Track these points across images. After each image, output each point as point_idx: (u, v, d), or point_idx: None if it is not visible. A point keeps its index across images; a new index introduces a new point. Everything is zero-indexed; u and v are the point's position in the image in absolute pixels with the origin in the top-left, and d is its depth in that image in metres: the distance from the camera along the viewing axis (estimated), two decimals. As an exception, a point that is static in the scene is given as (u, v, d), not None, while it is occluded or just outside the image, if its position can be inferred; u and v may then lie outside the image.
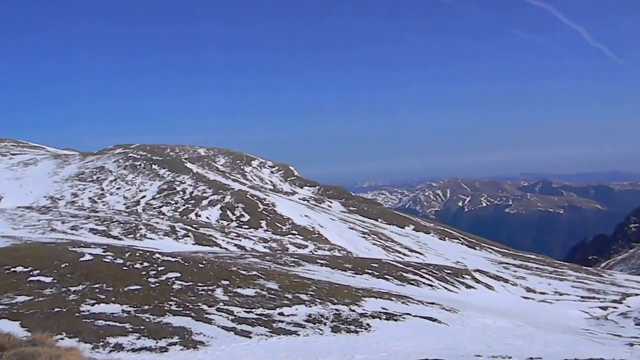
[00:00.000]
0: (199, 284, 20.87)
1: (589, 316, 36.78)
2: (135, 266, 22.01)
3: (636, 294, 47.31)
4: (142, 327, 15.43)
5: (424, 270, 38.58)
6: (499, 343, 18.79)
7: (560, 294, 43.99)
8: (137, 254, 24.02)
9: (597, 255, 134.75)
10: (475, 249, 70.94)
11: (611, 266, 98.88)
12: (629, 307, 41.30)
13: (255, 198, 68.48)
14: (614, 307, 40.61)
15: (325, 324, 18.26)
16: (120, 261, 22.51)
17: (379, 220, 78.49)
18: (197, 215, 61.07)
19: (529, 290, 43.50)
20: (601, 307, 40.18)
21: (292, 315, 18.85)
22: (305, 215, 65.61)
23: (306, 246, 49.89)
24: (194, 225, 48.21)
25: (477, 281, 40.71)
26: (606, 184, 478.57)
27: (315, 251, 48.16)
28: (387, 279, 33.36)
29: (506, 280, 44.92)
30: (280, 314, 18.83)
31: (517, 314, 31.27)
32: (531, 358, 14.40)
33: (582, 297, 44.08)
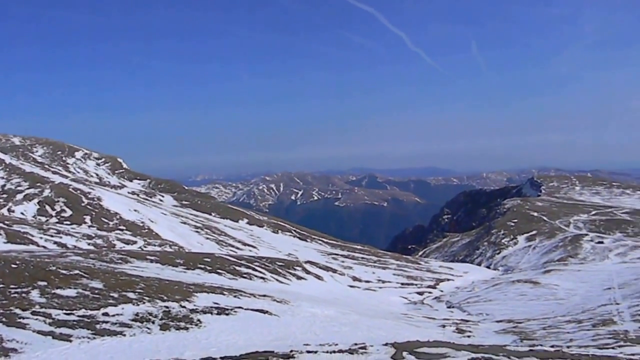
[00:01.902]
0: (12, 286, 18.99)
1: (408, 301, 39.78)
2: None
3: (448, 279, 52.13)
4: (-60, 338, 13.69)
5: (256, 264, 38.95)
6: (327, 331, 19.56)
7: (383, 282, 47.01)
8: None
9: (416, 244, 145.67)
10: (306, 241, 73.22)
11: (427, 254, 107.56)
12: (441, 291, 45.41)
13: (78, 192, 64.07)
14: (429, 292, 44.40)
15: (153, 322, 17.63)
16: None
17: (213, 214, 77.72)
18: (10, 210, 55.59)
19: (355, 279, 45.87)
20: (418, 293, 43.69)
21: (117, 315, 17.92)
22: (135, 210, 62.85)
23: (135, 242, 47.82)
24: (6, 222, 43.86)
25: (308, 272, 42.03)
26: (424, 178, 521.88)
27: (145, 247, 46.38)
28: (219, 274, 33.14)
29: (335, 271, 46.93)
30: (105, 314, 17.81)
31: (344, 302, 32.84)
32: (355, 344, 15.11)
33: (402, 283, 47.51)
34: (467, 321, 30.19)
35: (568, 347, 18.59)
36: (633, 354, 15.69)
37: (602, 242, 73.62)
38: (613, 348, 17.72)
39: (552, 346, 18.70)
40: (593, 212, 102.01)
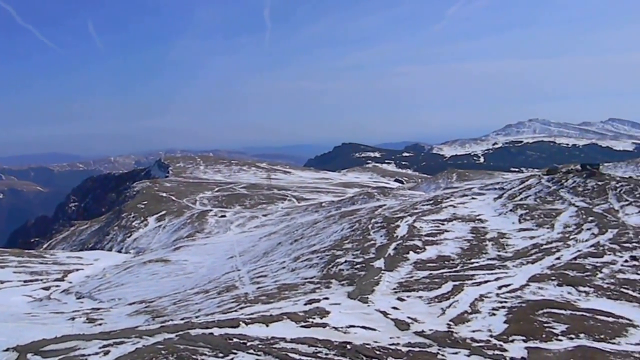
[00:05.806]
0: None
1: (32, 299, 36.77)
2: None
3: (77, 269, 49.94)
4: None
5: None
6: None
7: (2, 282, 42.32)
8: None
9: (40, 237, 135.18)
10: None
11: (53, 246, 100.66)
12: (70, 282, 43.33)
13: None
14: (57, 286, 41.89)
15: None
16: None
17: None
18: None
19: (-36, 284, 40.15)
20: (44, 288, 40.77)
21: None
22: None
23: None
24: None
25: None
26: (46, 165, 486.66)
27: None
28: None
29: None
30: None
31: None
32: (-34, 358, 13.35)
33: (25, 281, 43.59)
34: (99, 309, 29.60)
35: (197, 317, 19.93)
36: (252, 313, 17.75)
37: (224, 216, 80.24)
38: (236, 310, 19.73)
39: (182, 319, 19.78)
40: (216, 189, 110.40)
